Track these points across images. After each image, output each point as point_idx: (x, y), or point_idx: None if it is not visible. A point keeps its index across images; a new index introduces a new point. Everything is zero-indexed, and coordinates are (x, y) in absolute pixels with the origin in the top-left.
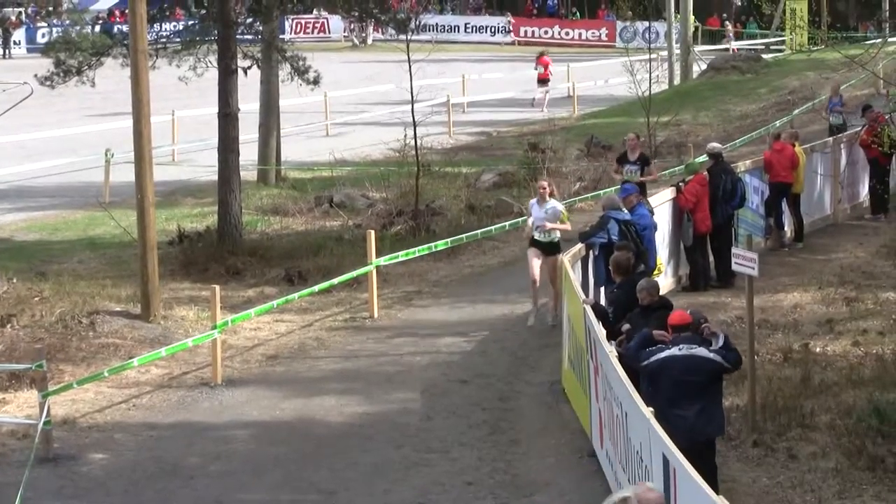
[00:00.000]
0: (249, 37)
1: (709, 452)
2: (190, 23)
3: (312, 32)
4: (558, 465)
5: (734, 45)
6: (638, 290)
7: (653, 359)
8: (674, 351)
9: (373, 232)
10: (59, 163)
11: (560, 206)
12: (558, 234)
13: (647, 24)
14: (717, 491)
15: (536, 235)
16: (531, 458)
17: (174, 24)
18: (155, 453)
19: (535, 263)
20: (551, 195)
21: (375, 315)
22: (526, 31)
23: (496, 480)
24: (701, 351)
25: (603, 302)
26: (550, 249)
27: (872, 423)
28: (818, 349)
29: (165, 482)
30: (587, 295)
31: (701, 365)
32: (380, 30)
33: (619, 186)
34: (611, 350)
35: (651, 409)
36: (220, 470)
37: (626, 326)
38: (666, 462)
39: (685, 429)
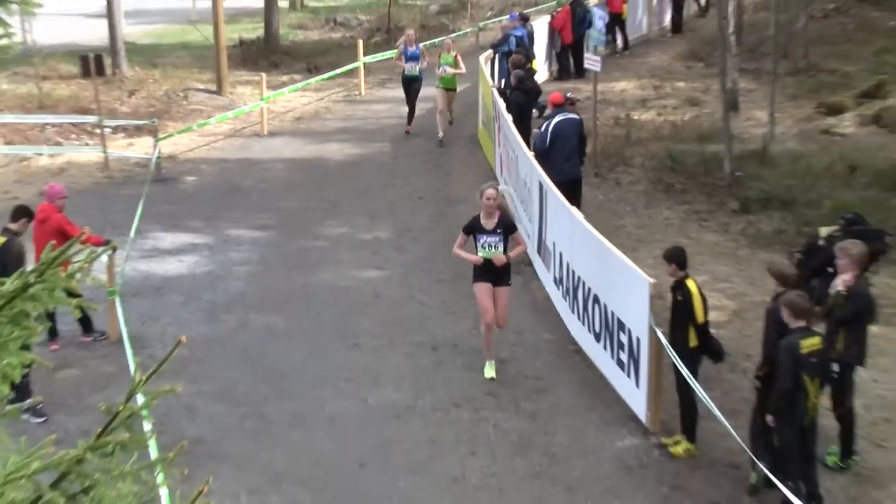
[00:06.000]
0: None
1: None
2: None
3: None
4: (473, 184)
5: None
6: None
7: (551, 128)
8: (559, 119)
9: (361, 41)
10: None
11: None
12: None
13: None
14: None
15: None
16: (458, 184)
17: None
18: (225, 177)
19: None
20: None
21: (362, 93)
22: None
23: (437, 196)
24: (574, 116)
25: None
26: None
27: (667, 163)
28: (636, 117)
29: (232, 195)
30: (493, 83)
31: (577, 125)
32: None
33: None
34: (507, 116)
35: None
36: (265, 188)
37: (535, 131)
38: (541, 187)
39: (568, 171)
